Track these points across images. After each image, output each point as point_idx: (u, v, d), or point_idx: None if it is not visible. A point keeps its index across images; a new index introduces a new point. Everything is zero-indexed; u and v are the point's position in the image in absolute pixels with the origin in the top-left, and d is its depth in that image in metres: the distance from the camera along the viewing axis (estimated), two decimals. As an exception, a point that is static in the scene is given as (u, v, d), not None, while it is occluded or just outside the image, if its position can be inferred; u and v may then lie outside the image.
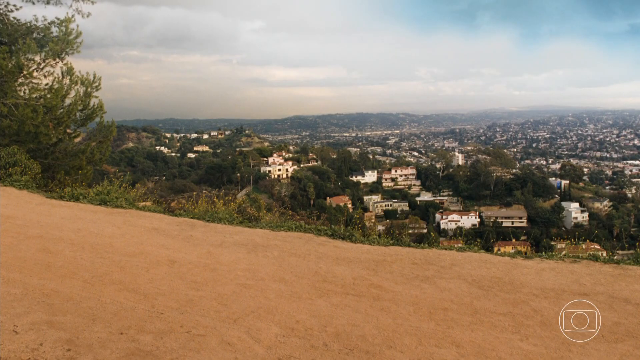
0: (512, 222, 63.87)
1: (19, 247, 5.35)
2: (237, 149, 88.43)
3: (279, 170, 75.42)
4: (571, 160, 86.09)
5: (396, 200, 71.98)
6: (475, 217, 64.21)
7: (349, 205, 66.00)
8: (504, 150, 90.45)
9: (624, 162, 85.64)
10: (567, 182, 73.98)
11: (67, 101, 12.03)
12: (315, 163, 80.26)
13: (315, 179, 72.13)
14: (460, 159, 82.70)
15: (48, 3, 12.93)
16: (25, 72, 11.41)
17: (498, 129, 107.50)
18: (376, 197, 72.42)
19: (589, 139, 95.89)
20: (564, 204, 65.65)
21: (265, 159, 79.36)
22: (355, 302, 4.15)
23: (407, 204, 70.73)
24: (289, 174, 74.41)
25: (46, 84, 11.91)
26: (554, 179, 75.22)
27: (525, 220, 63.94)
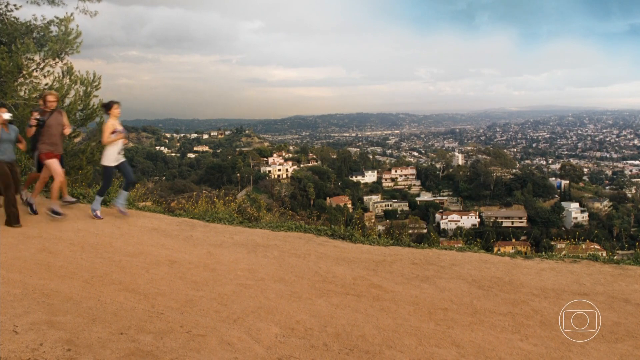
0: (512, 222, 63.85)
1: (19, 247, 5.35)
2: (237, 149, 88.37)
3: (279, 170, 75.39)
4: (571, 160, 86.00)
5: (396, 200, 71.96)
6: (475, 217, 64.18)
7: (349, 205, 65.97)
8: (504, 150, 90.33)
9: (624, 162, 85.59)
10: (567, 182, 73.90)
11: (67, 101, 12.03)
12: (315, 163, 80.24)
13: (315, 179, 72.11)
14: (460, 159, 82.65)
15: (52, 3, 12.90)
16: (24, 72, 11.41)
17: (498, 129, 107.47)
18: (376, 197, 72.38)
19: (588, 139, 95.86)
20: (564, 204, 65.60)
21: (265, 159, 79.34)
22: (355, 302, 4.15)
23: (407, 204, 70.68)
24: (289, 174, 74.38)
25: (46, 84, 11.90)
26: (554, 179, 75.15)
27: (525, 220, 63.92)
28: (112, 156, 6.67)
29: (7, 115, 6.06)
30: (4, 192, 6.02)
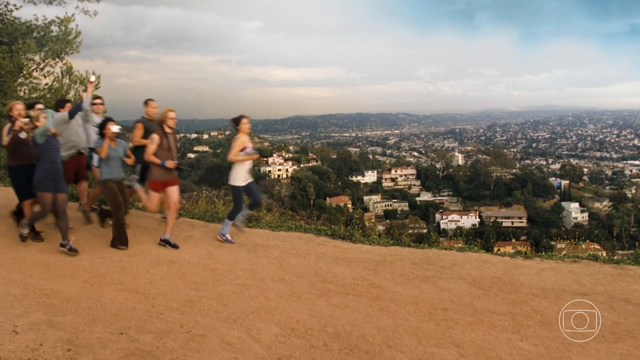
0: (512, 222, 63.81)
1: (18, 247, 5.35)
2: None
3: (279, 170, 75.37)
4: (571, 160, 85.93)
5: (396, 200, 71.92)
6: (475, 217, 64.13)
7: (349, 205, 65.92)
8: (504, 150, 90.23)
9: (624, 162, 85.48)
10: (567, 182, 73.86)
11: (67, 101, 12.03)
12: (315, 163, 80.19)
13: (315, 179, 72.06)
14: (460, 159, 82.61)
15: (51, 3, 12.91)
16: (25, 72, 11.41)
17: (498, 129, 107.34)
18: (376, 197, 72.34)
19: (589, 139, 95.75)
20: (564, 204, 65.56)
21: (265, 159, 79.30)
22: (355, 302, 4.15)
23: (407, 204, 70.62)
24: (289, 174, 74.37)
25: (46, 84, 11.91)
26: (554, 179, 75.11)
27: (525, 220, 63.88)
28: (241, 176, 5.86)
29: (115, 128, 5.40)
30: (114, 213, 5.47)
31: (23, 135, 5.44)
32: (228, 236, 5.91)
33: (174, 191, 5.71)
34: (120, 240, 5.46)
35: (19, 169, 5.56)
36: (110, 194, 5.47)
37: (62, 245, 5.17)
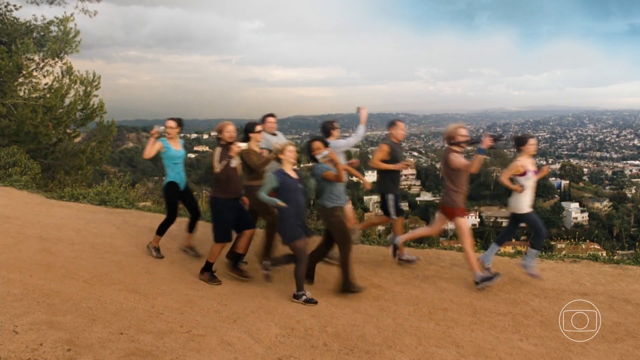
0: (512, 222, 63.78)
1: (19, 247, 5.35)
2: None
3: (279, 170, 75.32)
4: (571, 160, 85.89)
5: (396, 200, 71.88)
6: (475, 217, 64.12)
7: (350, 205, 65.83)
8: (504, 150, 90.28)
9: (624, 162, 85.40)
10: (567, 182, 73.88)
11: (67, 101, 12.04)
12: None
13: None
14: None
15: (52, 3, 12.93)
16: (24, 72, 11.42)
17: (498, 129, 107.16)
18: (376, 197, 72.29)
19: (588, 139, 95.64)
20: (564, 204, 65.50)
21: (265, 158, 79.06)
22: (355, 302, 4.15)
23: (407, 203, 70.54)
24: (289, 174, 74.30)
25: (46, 84, 11.92)
26: (554, 179, 75.12)
27: (525, 220, 63.86)
28: (526, 202, 4.85)
29: (324, 153, 4.61)
30: (342, 247, 4.41)
31: (233, 163, 4.63)
32: (534, 271, 4.82)
33: (463, 222, 4.79)
34: (351, 283, 4.34)
35: (228, 203, 4.62)
36: (339, 223, 4.47)
37: (295, 297, 4.17)
